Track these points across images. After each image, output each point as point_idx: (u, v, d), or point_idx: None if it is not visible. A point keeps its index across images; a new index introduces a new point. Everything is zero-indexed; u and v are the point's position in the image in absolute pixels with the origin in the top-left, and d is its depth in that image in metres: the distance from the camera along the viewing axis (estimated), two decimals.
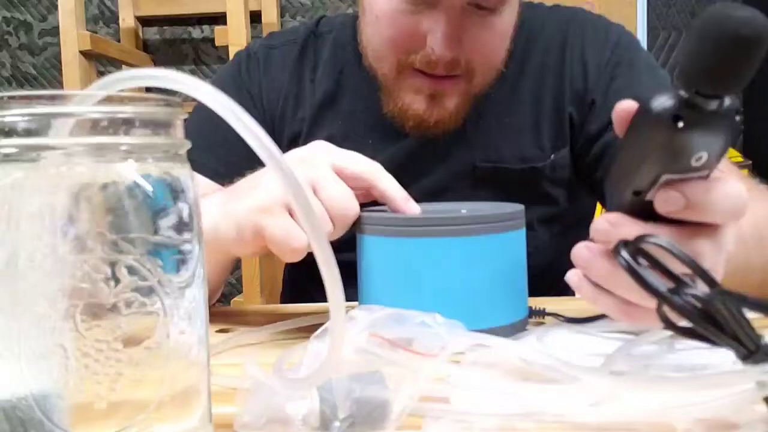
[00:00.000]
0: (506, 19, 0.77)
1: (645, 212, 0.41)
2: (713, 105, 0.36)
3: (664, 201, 0.40)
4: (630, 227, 0.41)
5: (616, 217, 0.42)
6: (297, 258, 0.54)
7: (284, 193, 0.54)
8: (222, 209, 0.58)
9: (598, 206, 1.00)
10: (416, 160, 0.85)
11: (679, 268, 0.38)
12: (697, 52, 0.34)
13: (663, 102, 0.36)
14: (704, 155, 0.38)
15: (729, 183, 0.41)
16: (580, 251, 0.44)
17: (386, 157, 0.85)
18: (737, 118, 0.37)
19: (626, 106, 0.40)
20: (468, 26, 0.74)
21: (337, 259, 0.31)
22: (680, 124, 0.36)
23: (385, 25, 0.76)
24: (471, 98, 0.80)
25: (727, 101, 0.36)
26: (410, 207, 0.58)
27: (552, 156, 0.85)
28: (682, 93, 0.36)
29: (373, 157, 0.85)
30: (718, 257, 0.42)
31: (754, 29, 0.33)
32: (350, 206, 0.55)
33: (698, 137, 0.37)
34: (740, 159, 2.02)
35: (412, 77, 0.77)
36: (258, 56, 0.91)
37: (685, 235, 0.41)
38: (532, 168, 0.84)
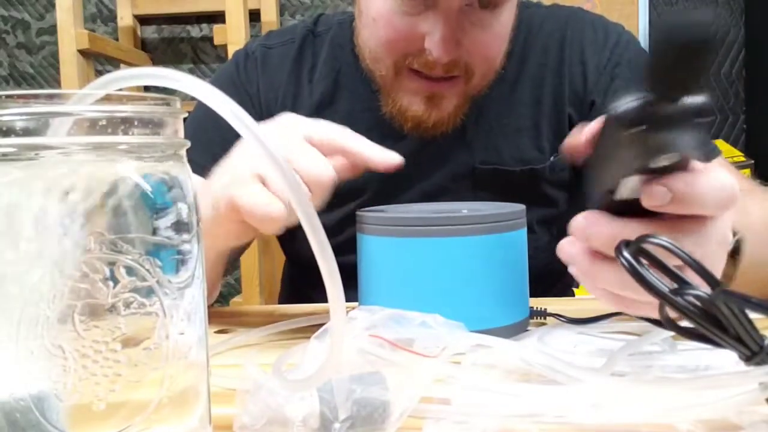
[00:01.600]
0: (504, 20, 0.77)
1: (623, 209, 0.42)
2: (672, 107, 0.37)
3: (650, 195, 0.40)
4: (606, 225, 0.42)
5: (592, 214, 0.43)
6: (275, 228, 0.52)
7: (255, 163, 0.53)
8: (200, 193, 0.57)
9: None
10: (415, 162, 0.84)
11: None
12: (653, 56, 0.37)
13: (625, 104, 0.38)
14: (671, 156, 0.39)
15: (715, 174, 0.41)
16: (563, 247, 0.45)
17: None
18: (703, 118, 0.38)
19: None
20: (466, 27, 0.74)
21: (337, 261, 0.30)
22: (642, 127, 0.37)
23: (382, 26, 0.76)
24: (469, 99, 0.80)
25: (690, 101, 0.37)
26: (388, 157, 0.56)
27: (551, 157, 0.84)
28: (645, 96, 0.37)
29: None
30: (706, 249, 0.42)
31: (697, 35, 0.34)
32: (324, 171, 0.53)
33: (661, 138, 0.38)
34: (742, 158, 2.02)
35: (410, 79, 0.77)
36: (256, 56, 0.90)
37: (667, 229, 0.41)
38: (531, 169, 0.84)
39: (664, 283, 0.37)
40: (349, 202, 0.84)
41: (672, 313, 0.38)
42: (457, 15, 0.72)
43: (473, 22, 0.74)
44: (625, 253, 0.39)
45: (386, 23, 0.75)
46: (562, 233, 0.92)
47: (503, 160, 0.84)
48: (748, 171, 1.95)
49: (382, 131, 0.84)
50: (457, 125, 0.80)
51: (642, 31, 2.13)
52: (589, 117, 0.83)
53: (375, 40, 0.78)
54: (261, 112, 0.88)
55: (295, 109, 0.88)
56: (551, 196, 0.86)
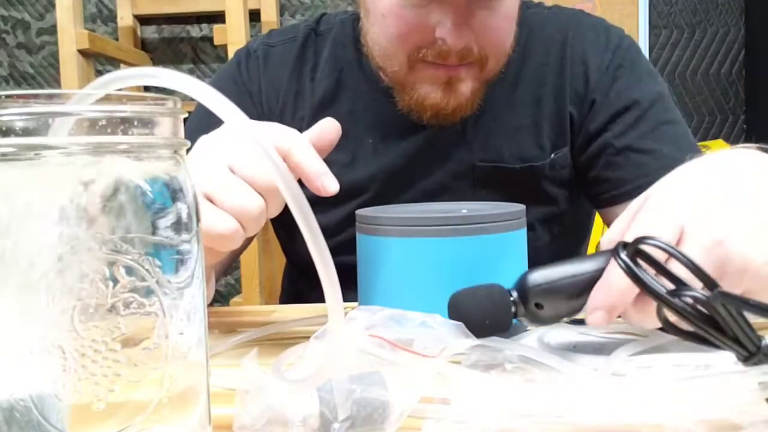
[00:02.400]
0: (509, 3, 0.77)
1: None
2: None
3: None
4: None
5: None
6: (231, 245, 0.50)
7: (200, 185, 0.50)
8: None
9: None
10: (416, 161, 0.85)
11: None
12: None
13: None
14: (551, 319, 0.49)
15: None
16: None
17: (386, 157, 0.85)
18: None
19: None
20: (475, 12, 0.74)
21: (336, 261, 0.30)
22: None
23: (392, 22, 0.76)
24: (485, 84, 0.80)
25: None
26: (325, 183, 0.51)
27: (552, 155, 0.85)
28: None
29: (372, 157, 0.85)
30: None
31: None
32: (252, 204, 0.51)
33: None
34: None
35: (426, 69, 0.77)
36: (258, 55, 0.90)
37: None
38: (530, 167, 0.84)
39: (662, 285, 0.37)
40: (349, 201, 0.84)
41: (670, 315, 0.38)
42: (465, 2, 0.73)
43: (481, 6, 0.74)
44: (623, 255, 0.39)
45: (396, 18, 0.75)
46: (563, 233, 0.92)
47: (503, 158, 0.84)
48: None
49: (383, 131, 0.85)
50: (474, 111, 0.80)
51: (642, 31, 2.13)
52: (589, 115, 0.84)
53: (385, 36, 0.78)
54: (262, 110, 0.88)
55: (296, 107, 0.88)
56: (551, 194, 0.86)
